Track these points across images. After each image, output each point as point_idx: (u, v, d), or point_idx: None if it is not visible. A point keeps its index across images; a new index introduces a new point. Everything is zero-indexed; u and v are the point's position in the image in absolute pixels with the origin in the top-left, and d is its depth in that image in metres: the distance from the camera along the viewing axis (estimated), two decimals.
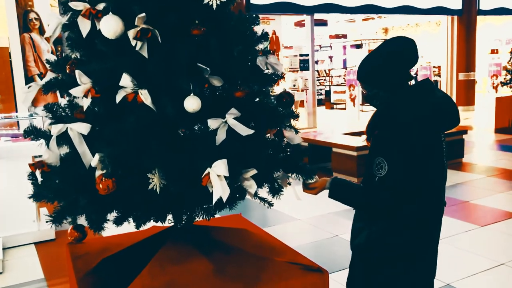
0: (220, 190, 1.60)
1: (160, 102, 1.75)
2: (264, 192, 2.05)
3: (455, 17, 14.63)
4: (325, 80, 19.81)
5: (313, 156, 7.66)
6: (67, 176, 1.81)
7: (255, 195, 1.94)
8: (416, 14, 14.08)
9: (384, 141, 1.86)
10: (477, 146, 9.20)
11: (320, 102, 16.59)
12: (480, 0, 14.72)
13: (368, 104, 2.03)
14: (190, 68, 1.79)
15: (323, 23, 19.30)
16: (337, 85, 18.25)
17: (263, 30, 2.10)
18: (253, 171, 1.80)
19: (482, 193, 6.06)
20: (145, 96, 1.73)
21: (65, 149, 1.91)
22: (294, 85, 12.59)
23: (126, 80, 1.74)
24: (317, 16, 13.17)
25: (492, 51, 19.36)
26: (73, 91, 1.76)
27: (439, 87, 15.94)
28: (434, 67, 16.40)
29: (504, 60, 17.83)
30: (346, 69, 18.77)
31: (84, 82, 1.75)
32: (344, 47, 20.85)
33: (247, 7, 10.91)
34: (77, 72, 1.74)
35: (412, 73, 15.99)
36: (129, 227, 2.06)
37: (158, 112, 1.76)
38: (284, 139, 2.10)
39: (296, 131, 2.06)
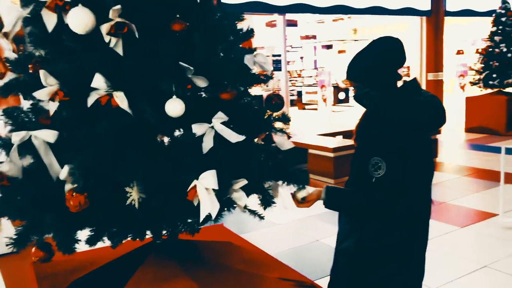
0: (208, 205, 1.41)
1: (138, 106, 1.55)
2: (252, 201, 1.87)
3: (424, 18, 14.81)
4: (296, 80, 19.78)
5: (289, 157, 7.50)
6: (30, 190, 1.59)
7: (245, 207, 1.76)
8: (385, 14, 14.16)
9: (379, 141, 1.82)
10: (449, 145, 9.27)
11: (292, 103, 16.53)
12: (447, 1, 14.95)
13: (357, 103, 1.95)
14: (171, 67, 1.60)
15: (293, 24, 19.25)
16: (309, 85, 18.24)
17: (248, 26, 1.93)
18: (243, 182, 1.62)
19: (459, 193, 6.05)
20: (120, 99, 1.52)
21: (28, 160, 1.68)
22: (267, 86, 12.43)
23: (99, 81, 1.53)
24: (288, 16, 13.05)
25: (458, 52, 19.78)
26: (37, 94, 1.54)
27: None
28: (403, 67, 16.57)
29: (470, 61, 18.22)
30: (317, 69, 18.79)
31: (50, 83, 1.53)
32: (315, 47, 20.88)
33: (219, 6, 10.69)
34: (41, 72, 1.52)
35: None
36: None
37: (135, 117, 1.56)
38: (274, 144, 1.93)
39: (288, 136, 1.89)
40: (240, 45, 1.94)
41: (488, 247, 4.33)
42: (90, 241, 1.59)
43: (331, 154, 6.68)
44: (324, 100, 14.96)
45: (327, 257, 2.14)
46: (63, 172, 1.51)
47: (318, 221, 5.08)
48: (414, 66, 15.28)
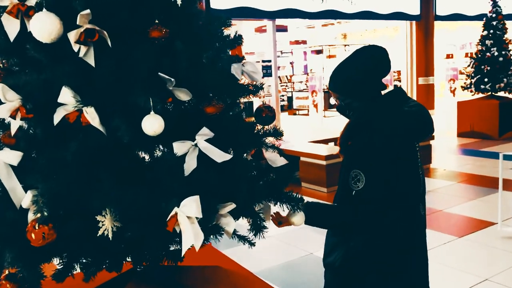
0: (191, 236, 1.24)
1: (112, 123, 1.37)
2: (240, 225, 1.70)
3: (414, 22, 14.79)
4: (287, 86, 19.66)
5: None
6: None
7: (234, 233, 1.58)
8: (375, 19, 14.13)
9: (359, 152, 1.78)
10: (442, 151, 9.16)
11: (282, 109, 16.39)
12: (437, 6, 14.94)
13: (340, 114, 1.93)
14: (149, 79, 1.42)
15: (283, 29, 19.15)
16: (299, 91, 18.13)
17: (236, 32, 1.77)
18: (231, 206, 1.45)
19: (454, 200, 5.93)
20: (91, 116, 1.35)
21: None
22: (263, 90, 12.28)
23: (66, 96, 1.35)
24: (278, 22, 12.95)
25: (448, 56, 19.80)
26: None
27: None
28: (394, 72, 16.52)
29: (459, 65, 18.24)
30: (307, 74, 18.67)
31: (10, 99, 1.34)
32: (305, 53, 20.80)
33: (207, 12, 10.55)
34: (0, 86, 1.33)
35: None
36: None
37: (108, 135, 1.38)
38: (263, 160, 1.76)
39: (281, 152, 1.72)
40: (228, 53, 1.77)
41: (488, 258, 4.20)
42: (58, 276, 1.41)
43: (323, 162, 6.53)
44: (315, 106, 14.84)
45: (321, 271, 2.02)
46: (26, 200, 1.33)
47: (311, 232, 4.90)
48: (404, 71, 15.25)
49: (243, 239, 1.68)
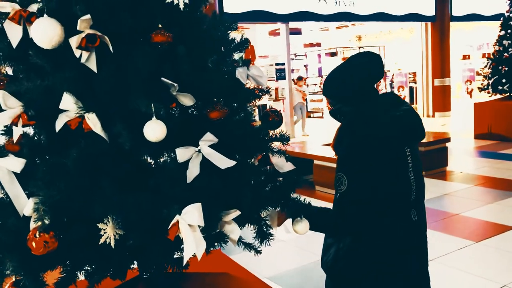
0: (192, 245, 1.21)
1: (114, 129, 1.36)
2: (246, 232, 1.66)
3: (429, 23, 14.62)
4: None
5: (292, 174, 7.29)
6: None
7: (239, 240, 1.55)
8: (390, 21, 14.02)
9: (344, 156, 1.84)
10: (459, 153, 9.01)
11: None
12: (452, 6, 14.75)
13: (333, 118, 1.98)
14: (151, 84, 1.40)
15: (297, 32, 19.11)
16: (314, 93, 18.05)
17: (242, 36, 1.74)
18: (236, 213, 1.42)
19: (471, 204, 5.81)
20: (93, 122, 1.33)
21: None
22: (271, 95, 12.27)
23: (68, 102, 1.34)
24: (292, 24, 12.93)
25: (464, 57, 19.53)
26: None
27: (414, 94, 15.95)
28: (409, 73, 16.36)
29: (476, 65, 17.97)
30: (321, 77, 18.59)
31: (10, 106, 1.33)
32: (319, 55, 20.71)
33: (220, 15, 10.56)
34: (0, 93, 1.32)
35: (387, 81, 15.84)
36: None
37: (110, 142, 1.36)
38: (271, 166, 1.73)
39: (287, 157, 1.69)
40: (233, 57, 1.75)
41: (507, 264, 4.09)
42: (60, 284, 1.39)
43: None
44: (329, 108, 14.72)
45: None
46: (28, 207, 1.32)
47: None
48: (420, 72, 15.08)
49: (249, 246, 1.65)
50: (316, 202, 2.21)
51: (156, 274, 1.73)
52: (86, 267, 1.51)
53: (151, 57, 1.41)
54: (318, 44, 22.49)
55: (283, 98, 12.49)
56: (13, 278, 1.55)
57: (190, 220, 1.22)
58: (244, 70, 1.63)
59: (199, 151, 1.42)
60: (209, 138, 1.44)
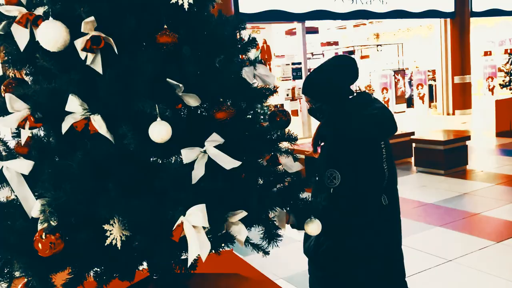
0: (197, 246, 1.20)
1: (119, 131, 1.36)
2: (255, 233, 1.65)
3: (448, 20, 14.38)
4: None
5: (310, 169, 7.25)
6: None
7: (246, 241, 1.54)
8: (408, 18, 13.83)
9: (331, 153, 2.00)
10: (479, 151, 8.84)
11: None
12: (472, 2, 14.48)
13: (311, 116, 2.17)
14: (157, 85, 1.40)
15: (314, 31, 19.02)
16: None
17: (249, 35, 1.73)
18: (242, 213, 1.41)
19: (492, 203, 5.69)
20: (98, 123, 1.33)
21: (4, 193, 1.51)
22: (287, 95, 12.23)
23: (73, 104, 1.35)
24: (308, 23, 12.86)
25: (485, 53, 19.15)
26: (4, 121, 1.36)
27: (434, 92, 15.70)
28: (428, 71, 16.12)
29: (498, 62, 17.61)
30: None
31: (17, 108, 1.35)
32: (336, 54, 20.58)
33: (236, 16, 10.57)
34: (7, 96, 1.34)
35: (406, 79, 15.61)
36: None
37: (116, 143, 1.36)
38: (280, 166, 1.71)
39: (295, 158, 1.67)
40: (241, 57, 1.74)
41: None
42: (68, 286, 1.40)
43: None
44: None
45: None
46: (35, 209, 1.33)
47: None
48: (439, 70, 14.84)
49: (257, 247, 1.64)
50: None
51: (166, 275, 1.73)
52: (95, 268, 1.51)
53: (156, 58, 1.41)
54: (336, 43, 22.33)
55: (299, 97, 12.44)
56: (25, 280, 1.57)
57: (194, 221, 1.21)
58: (251, 70, 1.61)
59: (205, 151, 1.41)
60: (215, 138, 1.43)
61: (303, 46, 12.21)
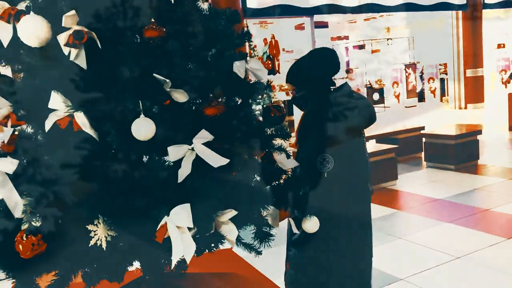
0: (180, 247, 1.16)
1: (103, 128, 1.32)
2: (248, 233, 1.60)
3: (460, 12, 14.15)
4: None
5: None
6: None
7: (238, 241, 1.50)
8: (419, 11, 13.63)
9: (319, 140, 2.03)
10: (491, 146, 8.68)
11: None
12: None
13: (294, 104, 2.28)
14: (143, 80, 1.36)
15: (324, 25, 18.85)
16: None
17: (243, 28, 1.67)
18: (232, 212, 1.36)
19: (503, 199, 5.57)
20: (82, 121, 1.29)
21: None
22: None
23: (56, 101, 1.31)
24: (318, 18, 12.73)
25: (499, 46, 18.82)
26: None
27: (446, 85, 15.49)
28: (440, 64, 15.90)
29: None
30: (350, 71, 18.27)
31: None
32: (347, 48, 20.40)
33: (244, 11, 10.51)
34: None
35: (417, 72, 15.41)
36: None
37: (101, 141, 1.32)
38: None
39: (288, 155, 1.62)
40: (235, 51, 1.69)
41: None
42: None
43: None
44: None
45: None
46: (18, 210, 1.30)
47: None
48: (451, 63, 14.63)
49: (249, 247, 1.59)
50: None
51: (158, 275, 1.69)
52: (83, 269, 1.48)
53: (142, 52, 1.37)
54: (346, 37, 22.13)
55: None
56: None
57: (178, 221, 1.17)
58: (242, 64, 1.56)
59: (193, 149, 1.36)
60: (203, 135, 1.39)
61: (312, 40, 12.10)
